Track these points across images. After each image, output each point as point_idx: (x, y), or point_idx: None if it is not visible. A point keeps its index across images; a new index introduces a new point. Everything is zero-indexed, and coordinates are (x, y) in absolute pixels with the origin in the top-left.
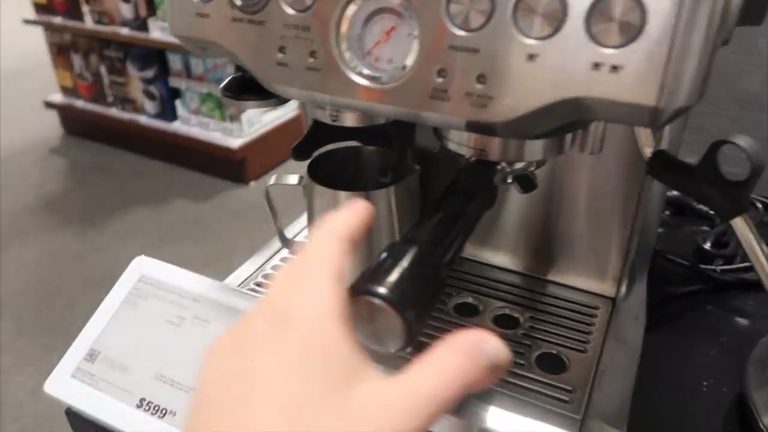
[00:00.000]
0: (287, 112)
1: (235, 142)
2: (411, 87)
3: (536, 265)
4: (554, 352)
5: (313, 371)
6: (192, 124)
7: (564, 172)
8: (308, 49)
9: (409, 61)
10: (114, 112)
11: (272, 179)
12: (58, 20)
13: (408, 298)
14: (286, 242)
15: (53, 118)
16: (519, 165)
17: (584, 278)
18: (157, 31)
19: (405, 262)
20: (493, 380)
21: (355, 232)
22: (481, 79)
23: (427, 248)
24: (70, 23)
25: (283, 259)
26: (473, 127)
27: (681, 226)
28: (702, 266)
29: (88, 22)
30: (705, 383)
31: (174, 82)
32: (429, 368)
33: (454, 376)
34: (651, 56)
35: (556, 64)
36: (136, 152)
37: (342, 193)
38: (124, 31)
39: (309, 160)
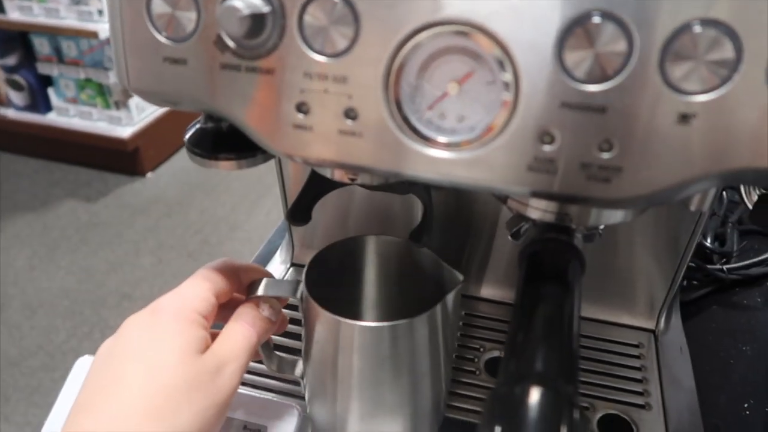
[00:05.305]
0: None
1: (124, 131)
2: (499, 155)
3: None
4: (617, 413)
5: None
6: (71, 114)
7: None
8: (343, 107)
9: (496, 120)
10: None
11: (261, 289)
12: None
13: None
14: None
15: None
16: (599, 226)
17: (622, 312)
18: (16, 12)
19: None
20: (275, 329)
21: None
22: (605, 146)
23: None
24: None
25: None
26: (579, 200)
27: None
28: (709, 267)
29: None
30: (746, 404)
31: (43, 68)
32: (223, 340)
33: (241, 340)
34: None
35: (721, 126)
36: (5, 151)
37: (358, 326)
38: None
39: (306, 266)
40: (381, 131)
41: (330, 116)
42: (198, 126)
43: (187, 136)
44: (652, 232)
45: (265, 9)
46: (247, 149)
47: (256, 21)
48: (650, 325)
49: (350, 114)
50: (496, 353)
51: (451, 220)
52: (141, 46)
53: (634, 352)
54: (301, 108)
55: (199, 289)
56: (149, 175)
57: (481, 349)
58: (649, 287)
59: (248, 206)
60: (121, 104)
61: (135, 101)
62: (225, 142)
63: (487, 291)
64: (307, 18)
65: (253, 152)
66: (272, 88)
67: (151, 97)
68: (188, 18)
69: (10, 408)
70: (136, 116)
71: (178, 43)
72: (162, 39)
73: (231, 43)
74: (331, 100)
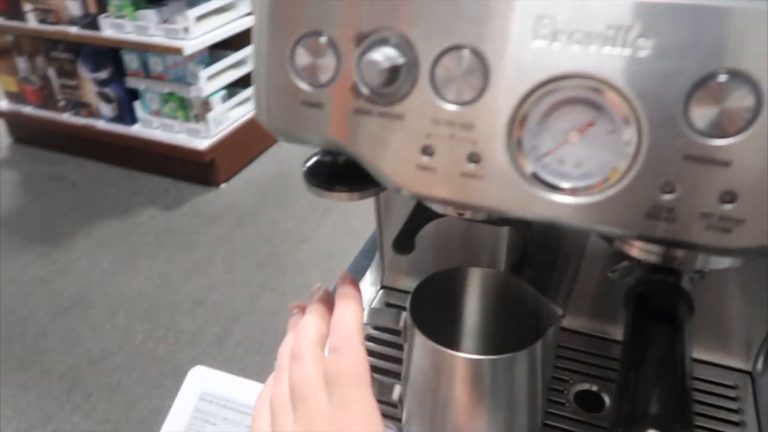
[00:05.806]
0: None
1: (202, 144)
2: (618, 201)
3: None
4: None
5: None
6: (154, 126)
7: None
8: (466, 152)
9: (617, 169)
10: (66, 117)
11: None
12: None
13: None
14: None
15: None
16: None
17: (717, 352)
18: (110, 29)
19: None
20: None
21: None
22: (727, 197)
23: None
24: (11, 24)
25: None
26: (697, 248)
27: None
28: None
29: (32, 22)
30: None
31: (131, 82)
32: None
33: None
34: None
35: None
36: (94, 159)
37: (462, 358)
38: (73, 30)
39: (410, 295)
40: (501, 174)
41: (454, 159)
42: (315, 158)
43: (305, 167)
44: (749, 274)
45: (401, 61)
46: (359, 182)
47: (393, 71)
48: (747, 367)
49: (473, 158)
50: (585, 386)
51: (537, 252)
52: (281, 90)
53: (730, 393)
54: (427, 150)
55: (365, 364)
56: (223, 186)
57: (570, 381)
58: (746, 328)
59: (315, 220)
60: (200, 117)
61: (213, 115)
62: (339, 174)
63: (571, 322)
64: (439, 69)
65: (365, 185)
66: (401, 131)
67: (284, 135)
68: (328, 67)
69: (90, 404)
70: (214, 129)
71: (317, 88)
72: (302, 85)
73: (366, 91)
74: (456, 145)
